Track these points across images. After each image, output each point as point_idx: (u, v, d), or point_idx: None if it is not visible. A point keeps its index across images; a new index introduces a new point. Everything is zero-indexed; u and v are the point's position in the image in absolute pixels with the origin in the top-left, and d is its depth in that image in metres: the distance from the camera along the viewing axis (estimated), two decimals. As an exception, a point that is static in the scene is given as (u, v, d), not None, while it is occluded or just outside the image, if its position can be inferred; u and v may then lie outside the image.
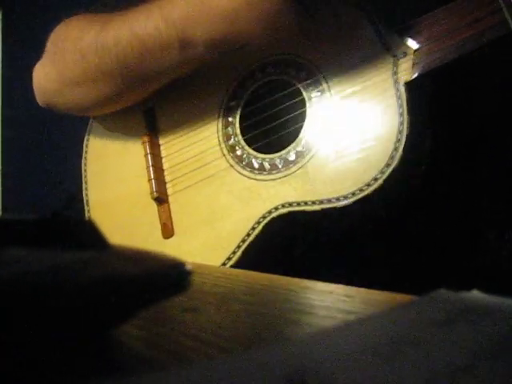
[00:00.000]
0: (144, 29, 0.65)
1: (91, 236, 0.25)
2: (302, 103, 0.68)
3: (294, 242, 0.68)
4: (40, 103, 0.79)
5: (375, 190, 0.59)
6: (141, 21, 0.66)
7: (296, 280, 0.42)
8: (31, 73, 0.79)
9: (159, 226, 0.74)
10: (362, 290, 0.37)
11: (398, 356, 0.18)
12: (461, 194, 0.68)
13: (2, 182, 1.84)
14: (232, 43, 0.64)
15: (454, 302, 0.23)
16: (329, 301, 0.37)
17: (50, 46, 0.76)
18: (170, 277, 0.25)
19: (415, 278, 0.63)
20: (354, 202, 0.60)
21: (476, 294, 0.24)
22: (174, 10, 0.64)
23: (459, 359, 0.18)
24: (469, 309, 0.22)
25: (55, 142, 1.68)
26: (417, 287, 0.30)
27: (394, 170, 0.59)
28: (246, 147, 0.70)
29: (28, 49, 1.80)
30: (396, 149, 0.59)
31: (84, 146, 0.83)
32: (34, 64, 0.79)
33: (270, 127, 0.70)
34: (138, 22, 0.66)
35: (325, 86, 0.66)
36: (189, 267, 0.25)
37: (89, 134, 0.83)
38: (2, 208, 1.83)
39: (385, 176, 0.59)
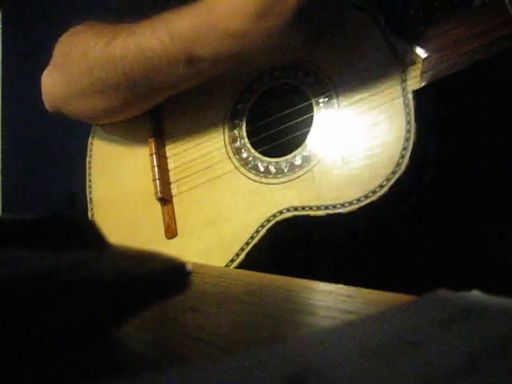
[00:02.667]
0: (150, 43, 0.65)
1: (92, 236, 0.25)
2: (310, 108, 0.68)
3: (297, 247, 0.68)
4: (48, 109, 0.80)
5: (380, 197, 0.59)
6: (147, 36, 0.65)
7: (296, 280, 0.42)
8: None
9: (163, 226, 0.74)
10: (362, 290, 0.37)
11: (397, 356, 0.18)
12: (463, 196, 0.68)
13: (1, 182, 1.84)
14: (238, 59, 0.63)
15: (454, 302, 0.23)
16: (329, 301, 0.37)
17: (56, 56, 0.77)
18: (171, 277, 0.25)
19: (415, 277, 0.63)
20: (359, 209, 0.60)
21: (476, 294, 0.24)
22: (180, 26, 0.63)
23: (459, 359, 0.18)
24: (469, 309, 0.22)
25: (55, 142, 1.68)
26: (417, 287, 0.30)
27: (399, 178, 0.59)
28: (252, 150, 0.70)
29: (28, 49, 1.80)
30: (402, 156, 0.59)
31: (89, 145, 0.84)
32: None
33: (276, 131, 0.70)
34: (144, 37, 0.66)
35: (333, 92, 0.66)
36: (189, 267, 0.25)
37: (94, 134, 0.84)
38: (2, 208, 1.83)
39: (390, 183, 0.59)
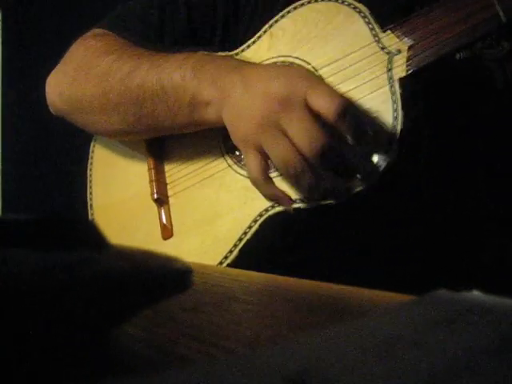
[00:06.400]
0: (171, 77, 0.66)
1: (91, 236, 0.25)
2: None
3: (290, 240, 0.68)
4: (53, 113, 0.80)
5: (371, 185, 0.60)
6: (171, 69, 0.66)
7: (296, 280, 0.42)
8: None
9: (159, 227, 0.74)
10: (362, 289, 0.37)
11: (397, 356, 0.18)
12: (460, 192, 0.68)
13: (2, 182, 1.84)
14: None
15: (454, 302, 0.23)
16: (329, 300, 0.37)
17: (69, 66, 0.76)
18: (171, 277, 0.25)
19: (415, 277, 0.63)
20: (349, 197, 0.60)
21: (476, 294, 0.24)
22: (207, 69, 0.64)
23: (459, 359, 0.18)
24: (469, 309, 0.22)
25: (55, 142, 1.68)
26: (417, 287, 0.30)
27: (389, 165, 0.59)
28: None
29: (28, 49, 1.80)
30: (390, 144, 0.59)
31: (90, 150, 0.84)
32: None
33: None
34: (168, 70, 0.66)
35: None
36: (189, 267, 0.25)
37: (95, 139, 0.84)
38: (2, 208, 1.83)
39: (380, 170, 0.59)
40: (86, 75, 0.73)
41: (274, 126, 0.58)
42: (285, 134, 0.58)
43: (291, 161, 0.58)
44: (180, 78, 0.65)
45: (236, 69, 0.63)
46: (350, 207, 0.61)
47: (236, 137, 0.63)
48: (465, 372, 0.17)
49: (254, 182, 0.63)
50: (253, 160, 0.61)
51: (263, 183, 0.62)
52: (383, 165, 0.59)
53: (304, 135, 0.57)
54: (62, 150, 1.65)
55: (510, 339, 0.19)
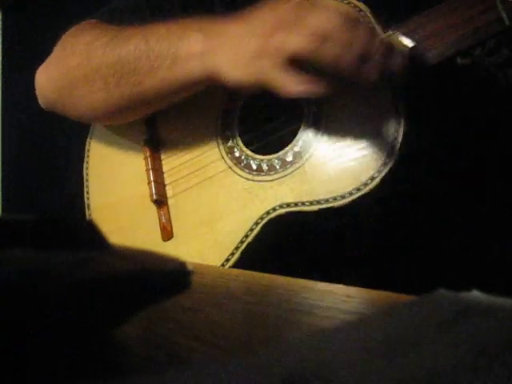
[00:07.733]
0: (155, 32, 0.65)
1: (91, 236, 0.25)
2: (301, 104, 0.68)
3: (292, 243, 0.68)
4: (42, 106, 0.79)
5: (372, 190, 0.59)
6: (156, 27, 0.66)
7: (296, 280, 0.42)
8: (32, 73, 0.79)
9: (159, 229, 0.74)
10: (362, 290, 0.37)
11: (398, 356, 0.18)
12: (460, 194, 0.68)
13: (2, 182, 1.84)
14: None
15: (454, 302, 0.23)
16: (329, 301, 0.37)
17: (58, 48, 0.76)
18: (171, 277, 0.25)
19: (415, 277, 0.63)
20: (351, 202, 0.60)
21: (476, 294, 0.24)
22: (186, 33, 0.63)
23: (459, 359, 0.18)
24: (469, 309, 0.22)
25: (55, 142, 1.68)
26: (417, 287, 0.30)
27: (391, 169, 0.59)
28: (244, 149, 0.70)
29: (28, 49, 1.80)
30: (393, 147, 0.59)
31: (86, 149, 0.83)
32: (35, 65, 0.79)
33: (267, 128, 0.70)
34: (151, 28, 0.66)
35: None
36: (189, 267, 0.25)
37: (91, 137, 0.83)
38: (2, 208, 1.83)
39: (382, 175, 0.59)
40: (72, 49, 0.74)
41: (297, 23, 0.53)
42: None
43: (334, 48, 0.52)
44: (165, 30, 0.64)
45: (226, 17, 0.62)
46: (351, 208, 0.61)
47: (245, 64, 0.57)
48: (465, 372, 0.17)
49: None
50: (286, 75, 0.53)
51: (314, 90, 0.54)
52: (385, 169, 0.59)
53: (335, 20, 0.52)
54: (62, 150, 1.65)
55: (511, 339, 0.19)
